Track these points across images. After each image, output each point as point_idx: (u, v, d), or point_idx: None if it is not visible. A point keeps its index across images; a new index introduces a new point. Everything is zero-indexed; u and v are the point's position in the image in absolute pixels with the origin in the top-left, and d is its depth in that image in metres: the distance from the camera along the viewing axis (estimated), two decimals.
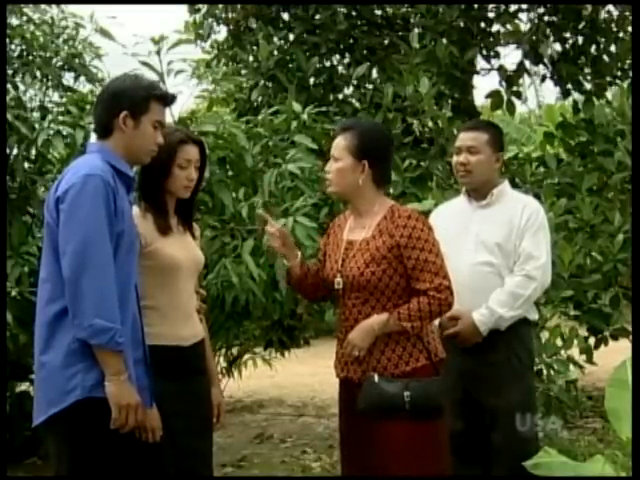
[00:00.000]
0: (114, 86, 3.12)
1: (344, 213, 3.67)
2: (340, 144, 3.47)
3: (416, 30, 6.83)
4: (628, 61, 7.25)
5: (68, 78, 5.98)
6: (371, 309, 3.40)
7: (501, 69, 7.54)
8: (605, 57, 7.47)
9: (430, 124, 6.46)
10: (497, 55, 7.59)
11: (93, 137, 5.11)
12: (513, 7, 7.56)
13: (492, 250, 3.96)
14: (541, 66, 7.59)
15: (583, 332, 6.16)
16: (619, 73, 7.44)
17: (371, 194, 3.48)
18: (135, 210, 3.35)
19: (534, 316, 4.15)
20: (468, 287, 3.86)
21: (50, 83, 5.87)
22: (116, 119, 3.03)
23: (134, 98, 3.04)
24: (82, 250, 2.84)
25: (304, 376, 9.40)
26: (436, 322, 3.72)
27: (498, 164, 4.09)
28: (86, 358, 2.86)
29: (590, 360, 5.91)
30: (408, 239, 3.36)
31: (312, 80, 6.99)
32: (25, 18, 6.07)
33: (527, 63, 7.51)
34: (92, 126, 5.11)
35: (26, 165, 5.29)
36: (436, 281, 3.36)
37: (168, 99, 3.17)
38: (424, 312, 3.34)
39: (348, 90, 7.16)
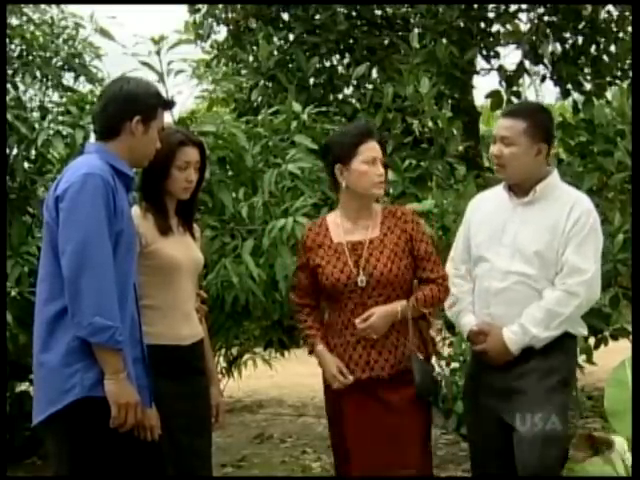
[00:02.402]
0: (127, 90, 3.11)
1: (315, 222, 3.74)
2: (378, 149, 3.59)
3: (416, 30, 6.82)
4: (628, 61, 7.24)
5: (68, 78, 5.98)
6: None
7: (501, 69, 7.54)
8: (605, 57, 7.46)
9: (430, 124, 6.46)
10: (497, 55, 7.59)
11: (93, 137, 5.14)
12: (513, 7, 7.55)
13: (529, 259, 3.46)
14: (541, 66, 7.58)
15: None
16: (619, 73, 7.43)
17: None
18: (136, 210, 3.36)
19: (580, 330, 3.60)
20: (499, 298, 3.50)
21: (50, 83, 5.88)
22: (128, 122, 3.04)
23: (147, 104, 3.07)
24: (82, 249, 2.84)
25: (304, 376, 9.38)
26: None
27: (540, 156, 3.52)
28: (85, 357, 2.86)
29: (590, 360, 5.90)
30: (417, 233, 3.58)
31: (312, 80, 6.98)
32: (25, 18, 6.07)
33: (527, 63, 7.51)
34: (92, 126, 5.12)
35: (26, 165, 5.29)
36: (441, 271, 3.60)
37: (170, 106, 3.26)
38: (436, 299, 3.57)
39: (348, 90, 7.15)
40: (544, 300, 3.43)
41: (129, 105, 3.05)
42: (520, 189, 3.56)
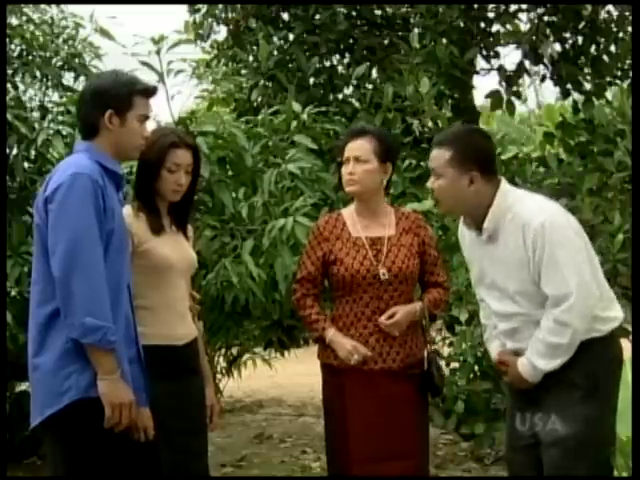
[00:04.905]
0: (95, 85, 3.11)
1: (331, 215, 3.87)
2: (365, 147, 3.71)
3: (416, 30, 6.82)
4: (628, 61, 7.24)
5: (68, 78, 5.97)
6: (404, 301, 3.71)
7: (501, 69, 7.53)
8: (605, 57, 7.46)
9: (430, 124, 6.46)
10: (497, 55, 7.58)
11: None
12: (513, 7, 7.54)
13: (514, 299, 3.23)
14: (541, 66, 7.58)
15: None
16: (619, 73, 7.43)
17: (383, 194, 3.84)
18: (128, 209, 3.35)
19: (603, 328, 3.23)
20: (512, 337, 3.28)
21: (50, 83, 5.87)
22: (102, 118, 3.01)
23: (118, 96, 3.02)
24: (72, 249, 2.82)
25: (304, 376, 9.39)
26: None
27: (475, 185, 3.22)
28: (80, 358, 2.85)
29: None
30: (428, 238, 3.82)
31: (312, 80, 6.98)
32: (25, 18, 6.06)
33: (527, 63, 7.50)
34: None
35: (26, 165, 5.30)
36: (445, 275, 3.88)
37: (150, 92, 3.14)
38: (443, 301, 3.87)
39: (348, 90, 7.15)
40: (541, 332, 3.16)
41: (99, 101, 3.02)
42: (473, 223, 3.29)
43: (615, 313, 3.31)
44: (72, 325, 2.82)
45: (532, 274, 3.15)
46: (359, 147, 3.72)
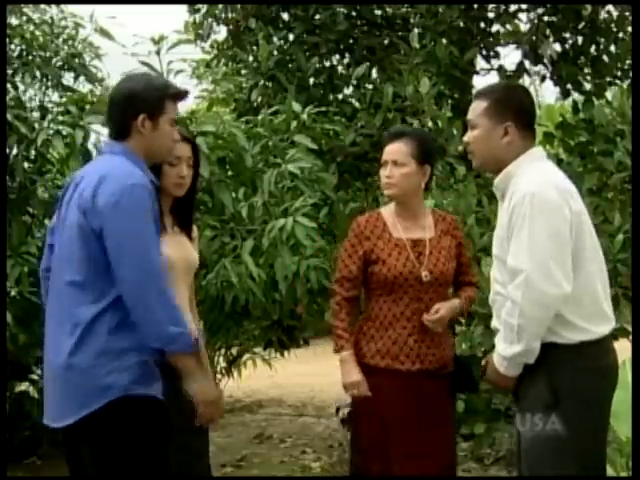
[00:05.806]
0: (128, 88, 3.05)
1: (371, 214, 3.86)
2: (403, 150, 3.72)
3: (416, 30, 6.82)
4: (628, 61, 7.24)
5: (68, 78, 5.98)
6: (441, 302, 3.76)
7: (501, 69, 7.53)
8: (605, 57, 7.46)
9: (430, 124, 6.46)
10: (497, 55, 7.59)
11: (93, 137, 5.15)
12: (513, 7, 7.55)
13: (496, 263, 3.15)
14: (541, 66, 7.58)
15: None
16: (619, 73, 7.43)
17: (422, 196, 3.86)
18: None
19: (568, 336, 3.01)
20: (494, 310, 3.17)
21: (50, 83, 5.87)
22: (134, 122, 2.99)
23: (150, 100, 3.00)
24: (145, 262, 2.85)
25: (304, 376, 9.41)
26: None
27: (508, 137, 3.11)
28: (117, 357, 2.85)
29: None
30: (463, 241, 3.89)
31: (312, 80, 6.98)
32: (25, 18, 6.06)
33: (527, 63, 7.50)
34: (92, 126, 5.13)
35: (26, 165, 5.30)
36: (476, 276, 4.02)
37: (182, 96, 3.14)
38: (474, 300, 3.96)
39: (348, 90, 7.15)
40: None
41: (131, 105, 2.99)
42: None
43: (594, 328, 3.07)
44: (157, 335, 2.85)
45: (506, 243, 3.04)
46: (397, 150, 3.73)
